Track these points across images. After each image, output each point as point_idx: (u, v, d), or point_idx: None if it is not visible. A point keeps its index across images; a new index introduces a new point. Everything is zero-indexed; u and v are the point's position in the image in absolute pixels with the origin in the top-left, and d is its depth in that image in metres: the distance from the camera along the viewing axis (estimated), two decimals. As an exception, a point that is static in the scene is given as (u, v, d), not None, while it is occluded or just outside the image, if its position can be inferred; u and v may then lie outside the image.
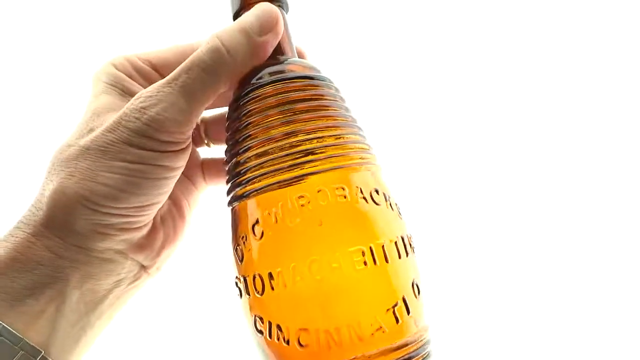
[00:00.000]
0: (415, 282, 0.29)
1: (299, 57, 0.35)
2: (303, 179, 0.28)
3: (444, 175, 0.62)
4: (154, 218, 0.33)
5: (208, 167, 0.40)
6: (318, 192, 0.27)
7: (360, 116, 0.34)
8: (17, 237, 0.29)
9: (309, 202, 0.27)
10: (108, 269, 0.31)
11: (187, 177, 0.38)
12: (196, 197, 0.39)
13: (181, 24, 0.59)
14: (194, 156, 0.39)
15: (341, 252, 0.26)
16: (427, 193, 0.61)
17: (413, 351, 0.28)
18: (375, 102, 0.62)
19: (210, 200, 0.41)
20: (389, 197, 0.30)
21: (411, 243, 0.30)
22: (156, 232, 0.34)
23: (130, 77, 0.34)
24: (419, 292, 0.29)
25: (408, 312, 0.27)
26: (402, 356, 0.27)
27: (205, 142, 0.39)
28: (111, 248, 0.31)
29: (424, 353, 0.29)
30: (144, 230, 0.32)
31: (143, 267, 0.34)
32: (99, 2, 0.63)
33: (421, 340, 0.29)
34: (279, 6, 0.34)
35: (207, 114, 0.39)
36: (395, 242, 0.28)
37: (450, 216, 0.60)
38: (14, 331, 0.27)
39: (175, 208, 0.37)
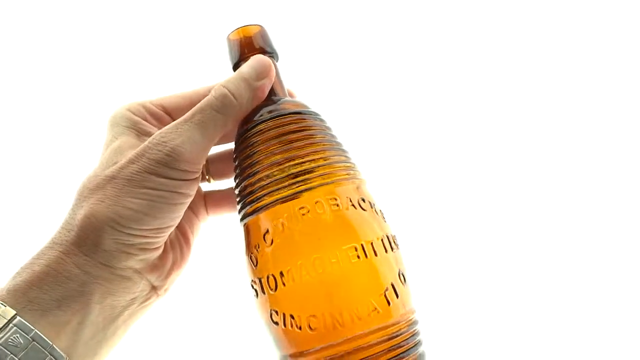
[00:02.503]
0: (401, 272, 0.35)
1: (289, 97, 0.42)
2: (302, 194, 0.34)
3: (435, 180, 0.64)
4: (165, 242, 0.38)
5: (210, 199, 0.45)
6: (316, 203, 0.34)
7: (349, 137, 0.40)
8: (50, 255, 0.33)
9: (308, 212, 0.33)
10: (126, 287, 0.35)
11: (190, 208, 0.43)
12: (198, 227, 0.44)
13: (183, 72, 0.66)
14: (197, 190, 0.43)
15: (338, 250, 0.33)
16: (420, 198, 0.63)
17: (404, 327, 0.34)
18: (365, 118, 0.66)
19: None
20: (374, 204, 0.36)
21: (395, 241, 0.36)
22: (167, 255, 0.39)
23: (145, 120, 0.39)
24: (405, 280, 0.35)
25: (397, 296, 0.33)
26: (395, 332, 0.33)
27: (207, 177, 0.45)
28: (131, 267, 0.35)
29: (412, 330, 0.34)
30: (158, 252, 0.37)
31: (154, 288, 0.38)
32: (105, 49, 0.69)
33: (409, 320, 0.35)
34: (270, 56, 0.41)
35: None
36: (382, 240, 0.34)
37: (443, 219, 0.63)
38: (44, 337, 0.30)
39: (181, 235, 0.42)
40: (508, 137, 0.66)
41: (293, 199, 0.34)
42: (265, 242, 0.34)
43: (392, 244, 0.35)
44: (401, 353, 0.33)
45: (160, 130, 0.36)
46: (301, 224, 0.33)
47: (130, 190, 0.34)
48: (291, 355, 0.34)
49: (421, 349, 0.35)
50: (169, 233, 0.37)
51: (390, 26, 0.70)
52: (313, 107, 0.40)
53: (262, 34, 0.41)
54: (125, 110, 0.39)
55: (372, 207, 0.36)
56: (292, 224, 0.33)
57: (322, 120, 0.40)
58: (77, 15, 0.69)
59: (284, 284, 0.33)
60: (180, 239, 0.41)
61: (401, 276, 0.35)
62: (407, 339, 0.33)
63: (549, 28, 0.67)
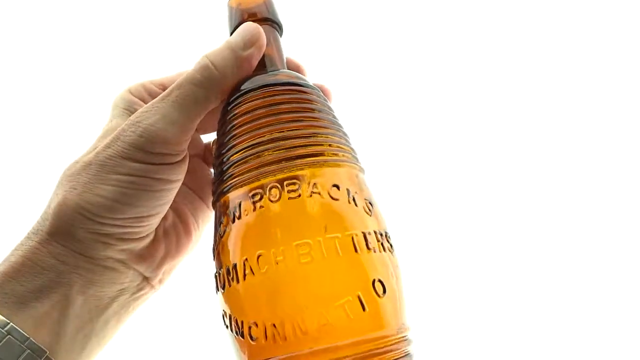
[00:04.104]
0: (379, 280, 0.27)
1: (296, 72, 0.37)
2: (260, 177, 0.29)
3: (436, 180, 0.63)
4: (157, 230, 0.35)
5: None
6: (270, 188, 0.28)
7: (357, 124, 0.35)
8: (26, 245, 0.31)
9: (260, 198, 0.28)
10: (110, 277, 0.33)
11: (198, 194, 0.40)
12: (207, 215, 0.41)
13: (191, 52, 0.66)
14: (205, 174, 0.41)
15: (286, 246, 0.27)
16: (421, 198, 0.63)
17: (377, 352, 0.26)
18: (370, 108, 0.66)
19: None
20: (354, 193, 0.29)
21: (382, 242, 0.29)
22: (158, 244, 0.36)
23: (143, 100, 0.37)
24: (384, 292, 0.27)
25: (364, 309, 0.26)
26: (356, 354, 0.26)
27: None
28: (112, 257, 0.33)
29: (402, 353, 0.27)
30: (146, 241, 0.34)
31: (146, 279, 0.36)
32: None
33: (387, 342, 0.27)
34: (270, 25, 0.36)
35: None
36: (353, 237, 0.27)
37: (442, 220, 0.62)
38: (21, 331, 0.29)
39: (181, 223, 0.38)
40: (508, 138, 0.64)
41: (249, 182, 0.29)
42: (220, 233, 0.30)
43: (373, 244, 0.28)
44: None
45: (137, 110, 0.33)
46: (251, 212, 0.28)
47: (102, 176, 0.31)
48: (241, 366, 0.29)
49: None
50: (155, 222, 0.34)
51: (389, 26, 0.68)
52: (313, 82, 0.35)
53: (266, 2, 0.37)
54: (125, 91, 0.38)
55: (348, 197, 0.29)
56: (243, 213, 0.28)
57: (318, 95, 0.34)
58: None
59: (229, 283, 0.28)
60: (179, 227, 0.39)
61: (378, 285, 0.27)
62: None
63: (556, 30, 0.66)
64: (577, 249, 0.58)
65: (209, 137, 0.42)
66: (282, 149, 0.29)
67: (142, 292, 0.36)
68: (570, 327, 0.54)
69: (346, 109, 0.37)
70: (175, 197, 0.36)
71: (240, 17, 0.36)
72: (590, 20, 0.62)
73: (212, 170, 0.42)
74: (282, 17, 0.38)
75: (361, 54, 0.67)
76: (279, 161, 0.29)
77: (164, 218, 0.36)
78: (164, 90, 0.38)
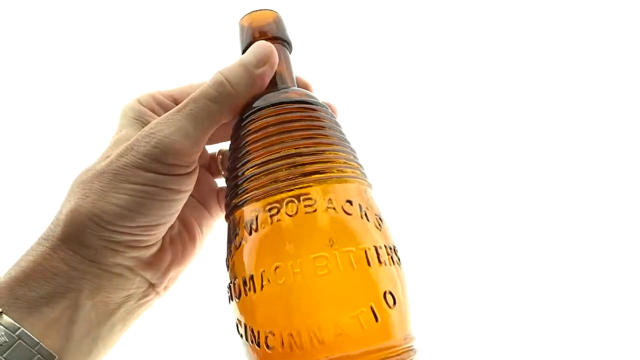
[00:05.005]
0: (389, 292, 0.29)
1: (304, 89, 0.38)
2: (275, 192, 0.30)
3: (438, 193, 0.64)
4: (163, 238, 0.36)
5: (223, 195, 0.41)
6: (287, 203, 0.29)
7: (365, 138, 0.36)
8: (37, 251, 0.31)
9: (277, 212, 0.29)
10: (118, 283, 0.34)
11: (202, 204, 0.41)
12: (210, 224, 0.42)
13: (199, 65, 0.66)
14: (210, 184, 0.42)
15: (304, 258, 0.28)
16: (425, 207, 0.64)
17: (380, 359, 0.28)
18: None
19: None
20: (366, 209, 0.31)
21: (391, 255, 0.30)
22: (164, 252, 0.37)
23: (153, 111, 0.37)
24: (394, 303, 0.29)
25: (377, 320, 0.28)
26: None
27: (223, 173, 0.42)
28: (121, 264, 0.33)
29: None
30: (153, 249, 0.35)
31: (151, 285, 0.37)
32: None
33: (397, 352, 0.28)
34: (280, 44, 0.37)
35: (226, 146, 0.43)
36: (366, 251, 0.29)
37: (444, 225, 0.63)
38: (31, 335, 0.29)
39: (186, 232, 0.39)
40: (507, 138, 0.65)
41: (265, 196, 0.30)
42: (235, 244, 0.31)
43: (384, 257, 0.29)
44: None
45: (152, 121, 0.34)
46: (268, 225, 0.29)
47: (115, 185, 0.32)
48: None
49: None
50: (163, 230, 0.35)
51: (393, 44, 0.70)
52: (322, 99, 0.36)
53: (276, 21, 0.38)
54: (134, 101, 0.38)
55: (361, 211, 0.30)
56: (260, 226, 0.30)
57: (326, 112, 0.35)
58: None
59: (246, 293, 0.29)
60: (184, 236, 0.39)
61: (389, 297, 0.29)
62: None
63: (556, 30, 0.67)
64: (582, 251, 0.59)
65: (214, 148, 0.43)
66: (296, 165, 0.30)
67: (147, 299, 0.37)
68: (575, 330, 0.55)
69: (351, 124, 0.38)
70: (182, 207, 0.37)
71: (251, 36, 0.37)
72: (590, 20, 0.64)
73: (216, 180, 0.43)
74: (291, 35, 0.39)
75: (365, 71, 0.68)
76: (295, 177, 0.30)
77: (171, 227, 0.37)
78: (172, 101, 0.39)
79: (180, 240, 0.39)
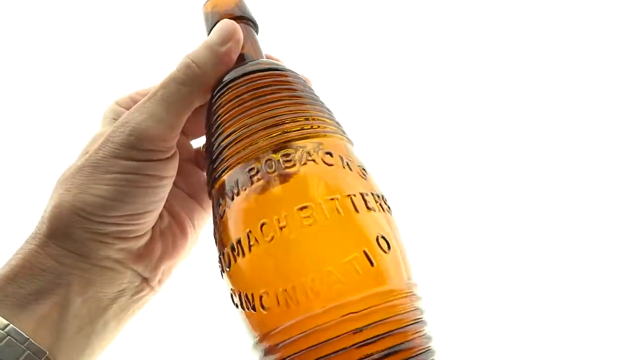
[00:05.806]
0: (382, 236, 0.28)
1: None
2: (252, 151, 0.29)
3: (430, 182, 0.64)
4: (153, 230, 0.36)
5: None
6: (265, 162, 0.29)
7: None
8: (25, 249, 0.32)
9: (257, 172, 0.29)
10: (109, 277, 0.33)
11: (193, 197, 0.41)
12: (203, 217, 0.41)
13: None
14: (199, 177, 0.42)
15: (288, 211, 0.27)
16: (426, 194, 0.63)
17: (380, 304, 0.26)
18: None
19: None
20: (348, 160, 0.30)
21: (379, 202, 0.29)
22: (154, 243, 0.36)
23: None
24: (389, 248, 0.28)
25: (372, 264, 0.27)
26: (367, 308, 0.26)
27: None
28: (110, 256, 0.33)
29: (405, 310, 0.27)
30: (142, 241, 0.35)
31: (144, 279, 0.36)
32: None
33: (401, 295, 0.27)
34: (245, 23, 0.37)
35: None
36: (352, 198, 0.28)
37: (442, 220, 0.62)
38: (21, 332, 0.29)
39: (176, 224, 0.39)
40: (507, 138, 0.65)
41: (243, 160, 0.29)
42: (220, 213, 0.30)
43: (372, 203, 0.28)
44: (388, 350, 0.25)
45: (125, 112, 0.34)
46: (250, 187, 0.29)
47: (96, 177, 0.32)
48: (256, 343, 0.28)
49: (431, 345, 0.27)
50: (151, 219, 0.35)
51: (387, 27, 0.71)
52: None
53: (237, 3, 0.38)
54: (113, 104, 0.39)
55: (342, 162, 0.29)
56: (241, 189, 0.29)
57: (299, 77, 0.35)
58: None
59: (235, 259, 0.28)
60: (174, 228, 0.39)
61: (382, 241, 0.28)
62: (397, 329, 0.26)
63: (556, 30, 0.67)
64: (579, 249, 0.59)
65: (199, 142, 0.43)
66: (271, 126, 0.30)
67: (141, 294, 0.37)
68: (571, 326, 0.55)
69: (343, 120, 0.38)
70: (171, 200, 0.37)
71: (215, 20, 0.37)
72: (590, 20, 0.64)
73: (205, 172, 0.43)
74: (258, 16, 0.39)
75: (362, 69, 0.69)
76: (270, 136, 0.29)
77: (160, 219, 0.37)
78: None
79: (171, 232, 0.39)
